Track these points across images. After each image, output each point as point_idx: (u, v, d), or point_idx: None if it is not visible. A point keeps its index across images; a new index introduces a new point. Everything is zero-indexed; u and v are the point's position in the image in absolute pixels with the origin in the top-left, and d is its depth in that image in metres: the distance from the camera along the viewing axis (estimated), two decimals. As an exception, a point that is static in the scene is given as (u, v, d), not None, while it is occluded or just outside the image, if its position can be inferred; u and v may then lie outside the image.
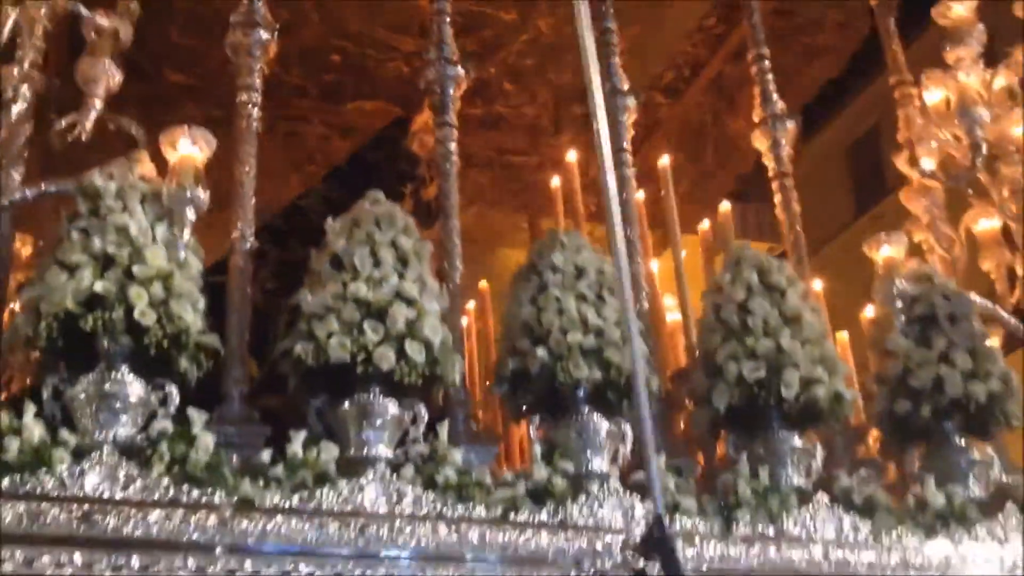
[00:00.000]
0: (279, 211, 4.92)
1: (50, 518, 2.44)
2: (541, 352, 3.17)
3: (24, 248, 4.21)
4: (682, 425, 3.92)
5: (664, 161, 4.52)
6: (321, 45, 6.38)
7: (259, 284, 4.64)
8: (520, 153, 7.26)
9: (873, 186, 11.42)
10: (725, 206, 4.37)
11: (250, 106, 3.60)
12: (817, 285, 4.25)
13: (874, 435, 3.94)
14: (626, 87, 4.23)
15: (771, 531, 3.10)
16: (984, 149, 4.10)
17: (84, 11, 3.19)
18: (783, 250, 8.41)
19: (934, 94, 4.48)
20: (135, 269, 2.78)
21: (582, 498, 2.97)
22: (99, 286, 2.73)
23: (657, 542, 1.93)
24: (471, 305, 5.10)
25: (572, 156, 4.88)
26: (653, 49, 6.44)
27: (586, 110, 6.88)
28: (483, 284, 5.38)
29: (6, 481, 2.47)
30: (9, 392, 2.99)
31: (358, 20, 6.34)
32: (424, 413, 3.06)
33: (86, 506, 2.48)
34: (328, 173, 5.59)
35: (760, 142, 4.41)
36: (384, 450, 2.94)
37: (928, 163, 4.34)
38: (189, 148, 3.06)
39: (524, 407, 3.29)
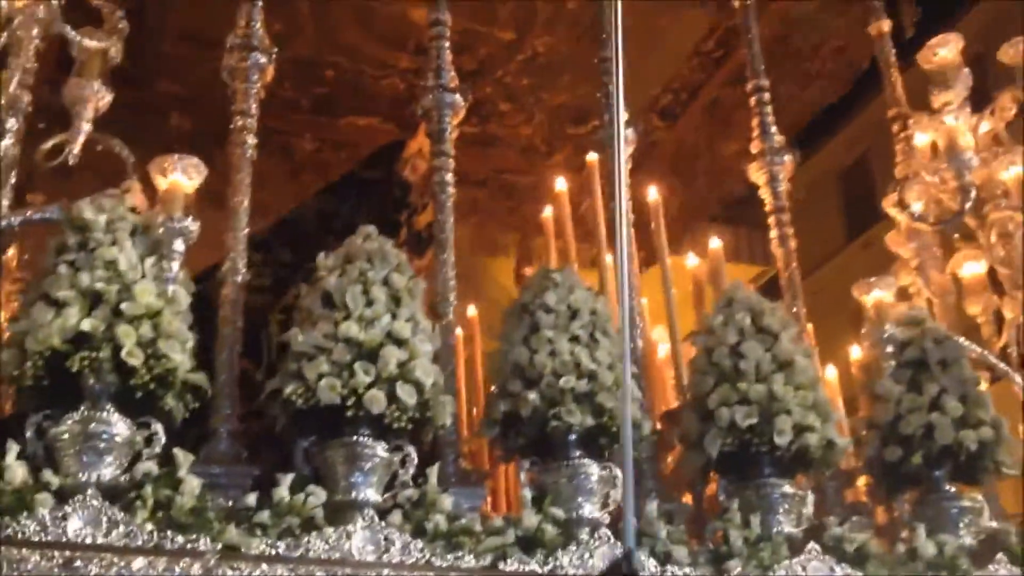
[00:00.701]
0: (268, 225, 4.86)
1: (31, 564, 2.39)
2: (533, 396, 3.13)
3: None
4: (670, 465, 3.90)
5: (653, 195, 4.49)
6: (315, 58, 6.35)
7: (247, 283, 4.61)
8: (514, 172, 7.24)
9: (864, 212, 11.45)
10: (716, 244, 4.34)
11: (245, 132, 3.55)
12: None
13: (863, 479, 3.92)
14: (625, 118, 4.19)
15: (762, 582, 3.07)
16: (972, 193, 4.09)
17: (73, 34, 3.14)
18: (774, 272, 8.43)
19: (921, 138, 4.47)
20: (123, 306, 2.74)
21: (572, 546, 2.93)
22: (86, 324, 2.68)
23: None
24: (458, 331, 5.05)
25: (562, 184, 4.84)
26: (651, 72, 6.43)
27: (580, 131, 6.88)
28: (471, 311, 5.33)
29: (-11, 521, 2.42)
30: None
31: (353, 34, 6.32)
32: (414, 456, 3.02)
33: (67, 552, 2.43)
34: (320, 189, 5.54)
35: (757, 176, 4.38)
36: (372, 494, 2.90)
37: (916, 205, 4.33)
38: (178, 176, 3.01)
39: (514, 450, 3.25)
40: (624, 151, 1.96)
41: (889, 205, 4.38)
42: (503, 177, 7.46)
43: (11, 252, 4.17)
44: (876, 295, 3.84)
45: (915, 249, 4.26)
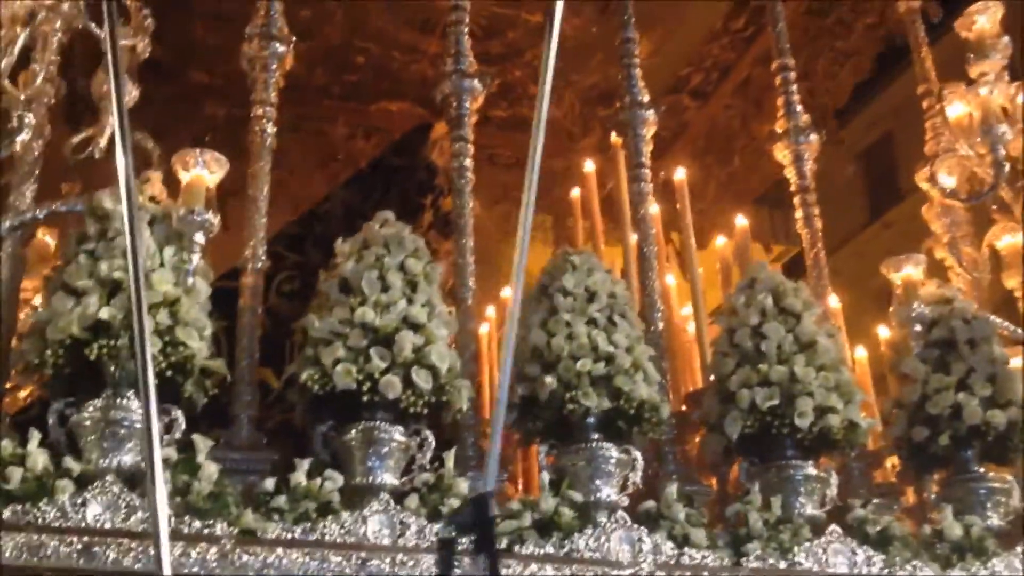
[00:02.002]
0: (297, 218, 4.90)
1: (50, 550, 2.44)
2: (550, 379, 3.13)
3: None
4: (696, 447, 3.88)
5: (680, 175, 4.46)
6: (345, 45, 6.38)
7: (276, 287, 4.65)
8: (544, 155, 7.19)
9: (886, 192, 11.29)
10: (742, 222, 4.30)
11: (264, 121, 3.58)
12: (833, 302, 4.17)
13: (892, 460, 3.88)
14: (646, 99, 4.17)
15: (782, 564, 3.05)
16: (1007, 167, 4.01)
17: (98, 31, 3.18)
18: (797, 251, 8.33)
19: (956, 108, 4.39)
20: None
21: (589, 530, 2.94)
22: (105, 312, 2.72)
23: (478, 519, 1.82)
24: (491, 311, 5.08)
25: (590, 166, 4.83)
26: (675, 50, 6.37)
27: (611, 113, 6.84)
28: (505, 293, 5.34)
29: (7, 512, 2.48)
30: (13, 415, 2.99)
31: (382, 20, 6.33)
32: (431, 440, 3.04)
33: (86, 538, 2.48)
34: (348, 178, 5.57)
35: (783, 155, 4.33)
36: (389, 478, 2.92)
37: (949, 180, 4.25)
38: (200, 170, 3.04)
39: (533, 433, 3.25)
40: (542, 131, 1.94)
41: (921, 180, 4.31)
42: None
43: (52, 241, 4.25)
44: (905, 272, 3.79)
45: (947, 224, 4.18)
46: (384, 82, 6.75)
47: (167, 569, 1.64)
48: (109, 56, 1.86)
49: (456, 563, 1.93)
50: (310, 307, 3.23)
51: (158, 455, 1.63)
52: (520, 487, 4.02)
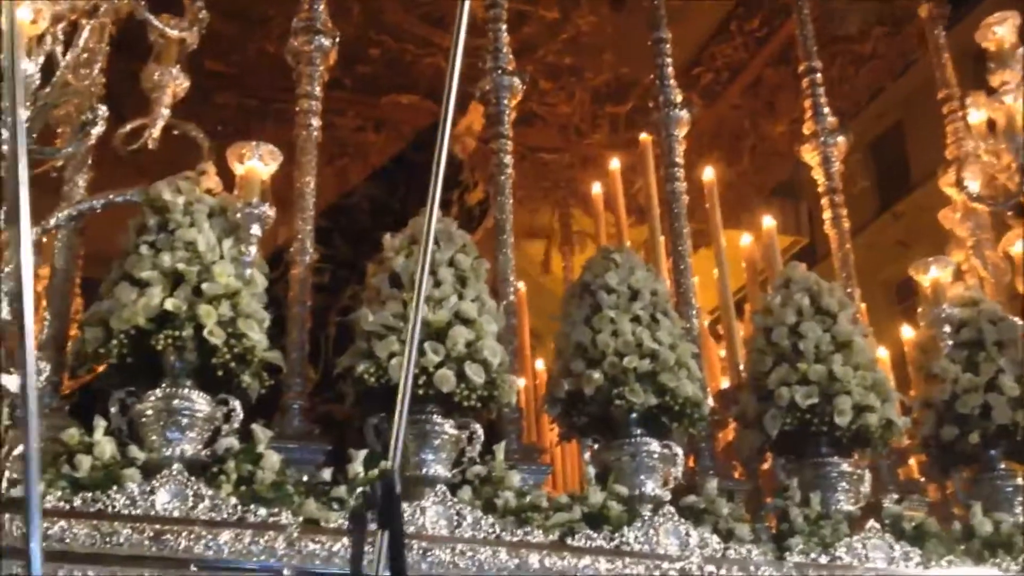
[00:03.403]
0: (322, 211, 4.91)
1: (122, 537, 2.47)
2: (597, 375, 3.18)
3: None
4: (721, 443, 3.94)
5: (709, 175, 4.52)
6: (360, 38, 6.38)
7: None
8: (552, 151, 7.26)
9: (896, 182, 11.35)
10: (769, 223, 4.36)
11: (310, 115, 3.61)
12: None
13: (915, 458, 3.96)
14: (679, 99, 4.22)
15: (824, 559, 3.12)
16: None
17: (152, 19, 3.19)
18: (805, 243, 8.37)
19: (976, 115, 4.47)
20: (204, 286, 2.80)
21: (637, 523, 2.99)
22: (169, 304, 2.75)
23: (384, 494, 1.89)
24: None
25: (615, 164, 4.88)
26: (680, 49, 6.41)
27: (621, 109, 6.88)
28: (521, 287, 5.39)
29: (77, 499, 2.50)
30: (72, 403, 3.01)
31: (397, 14, 6.35)
32: (480, 433, 3.08)
33: (157, 525, 2.51)
34: (372, 173, 5.59)
35: (810, 156, 4.39)
36: (442, 470, 2.96)
37: (974, 185, 4.33)
38: (256, 163, 3.06)
39: (577, 428, 3.30)
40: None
41: (946, 184, 4.38)
42: (538, 156, 7.48)
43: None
44: (933, 274, 3.86)
45: (971, 228, 4.26)
46: (396, 75, 6.76)
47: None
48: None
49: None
50: (353, 298, 3.26)
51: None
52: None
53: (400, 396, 1.94)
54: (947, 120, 4.68)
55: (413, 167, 5.20)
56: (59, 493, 2.49)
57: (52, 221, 2.89)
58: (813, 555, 3.11)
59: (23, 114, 1.50)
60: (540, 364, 5.34)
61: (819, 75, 4.50)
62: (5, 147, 2.63)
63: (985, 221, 4.32)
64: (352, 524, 2.12)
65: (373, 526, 1.93)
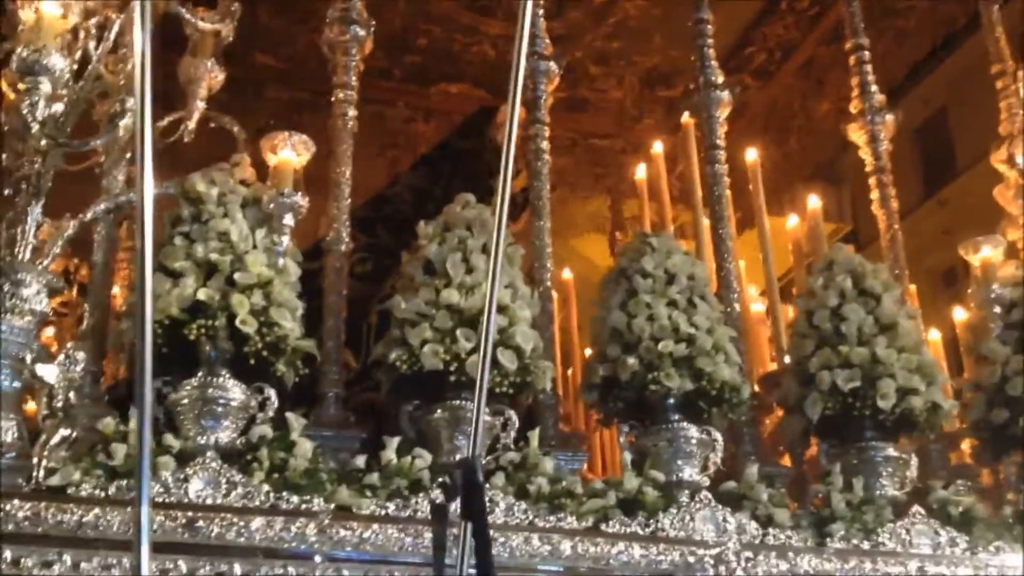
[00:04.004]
0: (366, 201, 4.94)
1: (156, 524, 2.50)
2: (632, 360, 3.15)
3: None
4: (767, 428, 3.89)
5: (752, 156, 4.45)
6: (408, 28, 6.41)
7: (349, 269, 4.69)
8: (604, 136, 7.23)
9: (941, 169, 11.10)
10: (815, 203, 4.28)
11: (346, 104, 3.62)
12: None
13: (967, 442, 3.86)
14: (720, 80, 4.16)
15: (866, 545, 3.06)
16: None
17: (186, 14, 3.23)
18: (848, 230, 8.23)
19: (1027, 89, 4.34)
20: (237, 276, 2.83)
21: (673, 509, 2.96)
22: (203, 294, 2.78)
23: (466, 483, 1.75)
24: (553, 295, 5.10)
25: (659, 147, 4.83)
26: (729, 29, 6.32)
27: (671, 93, 6.83)
28: (566, 275, 5.38)
29: (112, 487, 2.55)
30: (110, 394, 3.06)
31: (444, 3, 6.35)
32: (515, 419, 3.08)
33: (190, 513, 2.55)
34: (416, 161, 5.61)
35: (857, 135, 4.30)
36: (476, 457, 2.96)
37: (1024, 160, 4.21)
38: (288, 153, 3.09)
39: (613, 414, 3.28)
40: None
41: (998, 160, 4.26)
42: (590, 142, 7.45)
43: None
44: (984, 254, 3.76)
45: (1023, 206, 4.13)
46: (444, 64, 6.77)
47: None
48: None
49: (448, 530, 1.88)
50: (394, 288, 3.27)
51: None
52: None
53: (478, 386, 1.88)
54: (1000, 95, 4.55)
55: (458, 155, 5.21)
56: (95, 481, 2.53)
57: (90, 214, 2.93)
58: (855, 541, 3.06)
59: (146, 141, 1.48)
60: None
61: (867, 52, 4.40)
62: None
63: (1036, 198, 4.19)
64: (433, 516, 2.01)
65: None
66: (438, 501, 2.06)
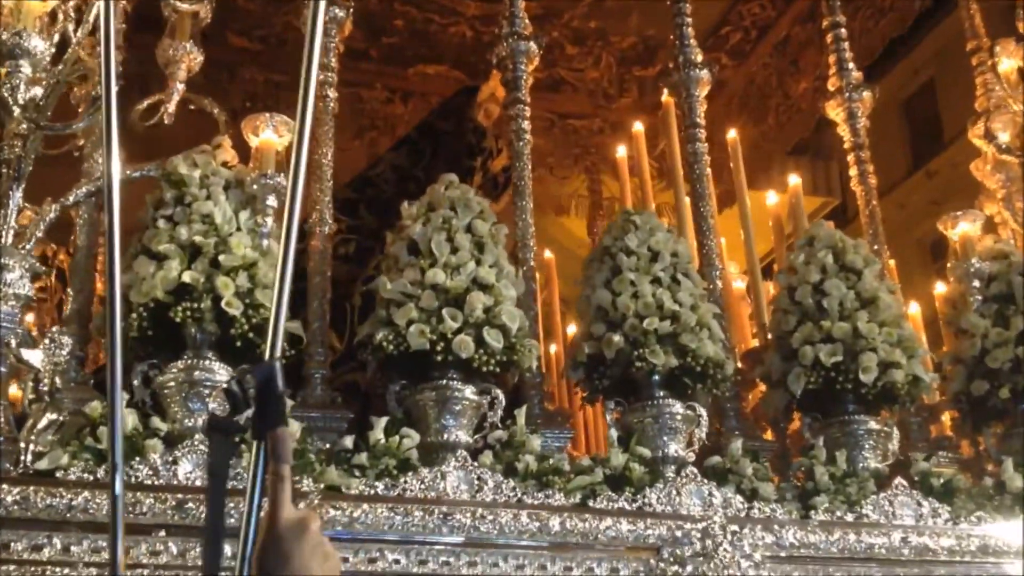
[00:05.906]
0: (348, 182, 4.93)
1: (145, 507, 2.50)
2: (617, 338, 3.17)
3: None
4: (750, 403, 3.92)
5: (732, 135, 4.47)
6: (384, 9, 6.37)
7: (332, 251, 4.69)
8: (581, 116, 7.23)
9: (928, 141, 11.14)
10: (795, 180, 4.31)
11: (325, 86, 3.61)
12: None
13: (948, 414, 3.91)
14: (699, 59, 4.17)
15: (850, 517, 3.10)
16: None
17: (173, -2, 3.20)
18: (837, 203, 8.27)
19: (1006, 64, 4.37)
20: (221, 258, 2.82)
21: (659, 485, 2.99)
22: (187, 276, 2.78)
23: (262, 391, 1.31)
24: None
25: (639, 126, 4.85)
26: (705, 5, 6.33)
27: (649, 72, 6.82)
28: (548, 255, 5.40)
29: (100, 470, 2.54)
30: (96, 377, 3.05)
31: (423, -16, 6.33)
32: (501, 398, 3.09)
33: (179, 495, 2.54)
34: (397, 142, 5.59)
35: (835, 113, 4.32)
36: (463, 436, 2.98)
37: (1004, 136, 4.24)
38: (270, 134, 3.07)
39: (599, 391, 3.30)
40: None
41: (975, 136, 4.30)
42: (567, 122, 7.45)
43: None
44: (962, 228, 3.80)
45: (1002, 180, 4.17)
46: (422, 46, 6.74)
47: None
48: None
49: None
50: (379, 268, 3.27)
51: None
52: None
53: (274, 296, 1.47)
54: (976, 71, 4.59)
55: (439, 134, 5.20)
56: (83, 464, 2.53)
57: (71, 198, 2.91)
58: (839, 513, 3.10)
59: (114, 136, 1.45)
60: (572, 329, 5.35)
61: (843, 30, 4.42)
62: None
63: (1016, 173, 4.22)
64: (209, 432, 1.52)
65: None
66: (218, 413, 1.67)
